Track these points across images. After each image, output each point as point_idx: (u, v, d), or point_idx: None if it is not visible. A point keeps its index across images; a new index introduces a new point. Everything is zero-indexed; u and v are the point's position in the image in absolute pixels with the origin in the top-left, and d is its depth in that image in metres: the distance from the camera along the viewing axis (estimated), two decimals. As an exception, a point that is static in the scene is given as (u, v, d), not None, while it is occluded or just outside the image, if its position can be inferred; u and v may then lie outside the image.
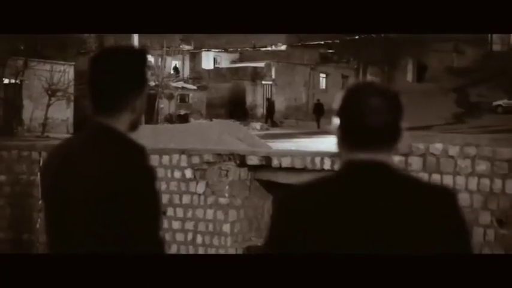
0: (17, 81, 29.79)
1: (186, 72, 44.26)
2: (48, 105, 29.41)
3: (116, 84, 2.15)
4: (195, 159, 7.37)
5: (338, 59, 45.80)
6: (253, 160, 7.25)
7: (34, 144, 8.52)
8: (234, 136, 10.90)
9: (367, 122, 1.75)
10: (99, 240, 2.03)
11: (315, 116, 36.65)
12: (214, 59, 46.62)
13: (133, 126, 2.19)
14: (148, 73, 2.26)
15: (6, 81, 29.47)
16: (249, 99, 41.54)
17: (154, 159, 7.46)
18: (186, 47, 43.86)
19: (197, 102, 39.92)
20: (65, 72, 28.93)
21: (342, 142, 1.80)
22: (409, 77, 47.62)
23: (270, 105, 39.53)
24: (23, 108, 29.91)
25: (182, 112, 37.51)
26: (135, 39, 27.78)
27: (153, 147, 7.93)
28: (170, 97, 37.54)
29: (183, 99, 39.65)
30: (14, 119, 29.16)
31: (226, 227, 7.25)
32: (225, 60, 46.58)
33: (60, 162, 2.16)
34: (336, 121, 1.81)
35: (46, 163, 2.26)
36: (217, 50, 45.01)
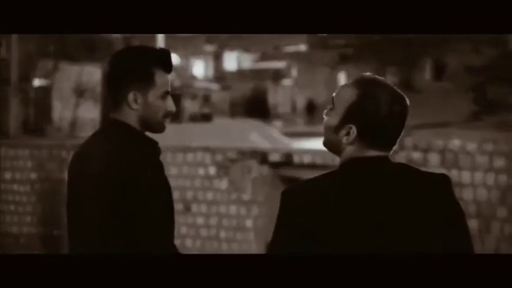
0: (47, 82, 30.27)
1: (210, 72, 44.52)
2: (77, 105, 29.83)
3: (114, 77, 2.19)
4: (219, 157, 7.57)
5: (357, 58, 45.77)
6: (274, 157, 7.42)
7: (63, 143, 8.76)
8: (256, 134, 11.06)
9: (391, 127, 1.80)
10: (111, 234, 2.03)
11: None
12: (236, 59, 46.84)
13: (147, 125, 2.20)
14: (170, 74, 2.27)
15: (36, 82, 29.95)
16: (270, 99, 41.73)
17: (178, 157, 7.67)
18: (209, 48, 44.11)
19: (220, 102, 40.19)
20: (93, 73, 29.33)
21: (353, 140, 1.81)
22: (428, 75, 47.36)
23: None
24: (52, 108, 30.36)
25: (206, 111, 37.78)
26: (160, 40, 27.96)
27: (176, 145, 8.14)
28: (194, 97, 37.86)
29: (206, 99, 39.94)
30: (44, 118, 29.60)
31: (249, 223, 7.44)
32: (247, 61, 46.77)
33: (77, 160, 2.21)
34: (344, 117, 1.81)
35: (70, 162, 2.27)
36: (239, 51, 45.22)
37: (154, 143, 2.18)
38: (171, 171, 7.60)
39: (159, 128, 2.21)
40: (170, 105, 2.21)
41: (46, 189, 8.29)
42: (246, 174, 7.45)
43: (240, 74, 43.11)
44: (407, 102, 1.83)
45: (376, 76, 1.85)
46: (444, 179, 1.84)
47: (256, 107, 39.76)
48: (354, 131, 1.80)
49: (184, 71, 37.96)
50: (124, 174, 2.01)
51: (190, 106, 37.60)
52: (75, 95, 29.77)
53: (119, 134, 2.14)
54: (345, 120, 1.81)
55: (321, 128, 1.91)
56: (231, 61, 46.30)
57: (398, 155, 6.54)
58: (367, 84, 1.82)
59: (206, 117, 36.01)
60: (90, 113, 30.60)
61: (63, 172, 7.99)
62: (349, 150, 1.81)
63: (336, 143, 1.84)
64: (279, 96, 41.97)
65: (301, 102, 41.37)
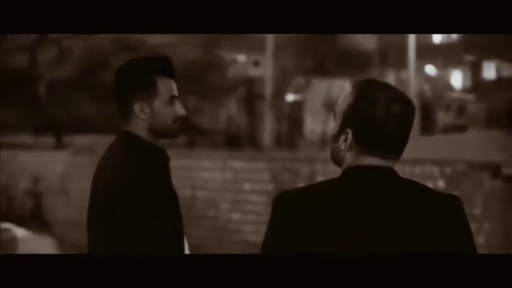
0: (300, 97, 31.70)
1: (467, 82, 43.12)
2: (326, 120, 30.76)
3: (119, 90, 2.23)
4: (448, 170, 7.36)
5: None
6: (510, 170, 7.04)
7: (296, 156, 9.12)
8: (495, 146, 10.53)
9: (389, 130, 1.69)
10: (115, 243, 2.07)
11: None
12: (496, 68, 44.72)
13: (158, 133, 2.24)
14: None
15: (289, 97, 31.52)
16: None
17: (406, 169, 7.56)
18: (468, 57, 42.72)
19: (476, 113, 38.66)
20: (342, 87, 30.04)
21: (351, 147, 1.71)
22: None
23: None
24: (304, 123, 31.70)
25: (460, 123, 36.61)
26: (411, 48, 27.66)
27: (405, 158, 8.01)
28: (448, 108, 36.91)
29: (461, 109, 38.70)
30: (295, 132, 31.03)
31: (480, 239, 7.11)
32: (508, 70, 44.42)
33: (96, 171, 2.26)
34: (342, 123, 1.73)
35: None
36: (498, 60, 43.15)
37: (162, 152, 2.21)
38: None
39: (171, 134, 2.25)
40: (179, 109, 2.24)
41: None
42: (477, 188, 7.15)
43: (499, 83, 41.08)
44: (412, 104, 1.71)
45: (377, 79, 1.76)
46: (455, 200, 1.72)
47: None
48: (350, 135, 1.71)
49: (439, 82, 37.12)
50: (130, 184, 2.06)
51: (443, 117, 36.71)
52: (324, 109, 30.73)
53: (127, 145, 2.19)
54: (343, 125, 1.72)
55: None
56: (490, 70, 44.35)
57: None
58: (365, 86, 1.73)
59: (460, 129, 34.87)
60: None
61: (296, 183, 8.34)
62: (348, 158, 1.72)
63: (336, 152, 1.74)
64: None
65: None
